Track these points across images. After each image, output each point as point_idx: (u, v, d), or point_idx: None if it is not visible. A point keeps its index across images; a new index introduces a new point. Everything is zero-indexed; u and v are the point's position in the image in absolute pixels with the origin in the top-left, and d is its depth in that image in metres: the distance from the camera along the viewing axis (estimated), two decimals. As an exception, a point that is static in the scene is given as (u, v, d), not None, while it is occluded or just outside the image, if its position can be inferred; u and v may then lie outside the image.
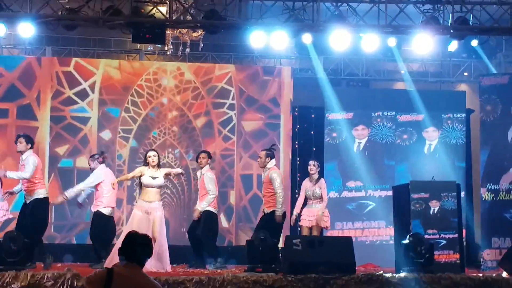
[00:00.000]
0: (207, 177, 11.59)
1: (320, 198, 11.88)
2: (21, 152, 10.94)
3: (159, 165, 11.20)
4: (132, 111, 14.91)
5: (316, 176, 11.98)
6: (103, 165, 11.83)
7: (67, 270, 9.01)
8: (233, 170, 15.01)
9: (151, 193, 11.04)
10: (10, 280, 8.78)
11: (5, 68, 14.59)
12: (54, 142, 14.64)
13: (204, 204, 11.48)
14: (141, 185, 11.16)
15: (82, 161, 14.29)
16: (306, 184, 12.09)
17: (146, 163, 11.18)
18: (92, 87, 14.79)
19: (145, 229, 10.68)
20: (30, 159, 10.80)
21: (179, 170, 11.87)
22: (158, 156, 11.28)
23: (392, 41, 13.89)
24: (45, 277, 8.83)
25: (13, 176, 11.01)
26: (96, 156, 11.96)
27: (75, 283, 8.79)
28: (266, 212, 11.38)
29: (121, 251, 5.22)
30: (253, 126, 15.17)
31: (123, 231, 11.76)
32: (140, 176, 11.13)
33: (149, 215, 10.92)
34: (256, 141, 15.01)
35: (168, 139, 14.98)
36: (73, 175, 14.48)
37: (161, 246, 10.87)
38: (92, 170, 11.82)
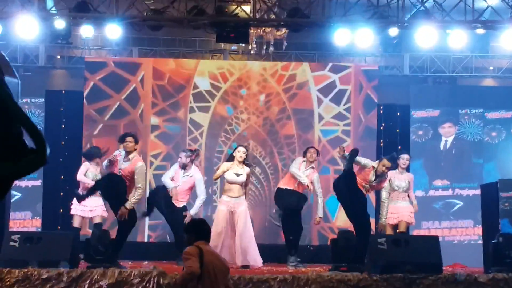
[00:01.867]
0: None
1: (406, 192, 11.70)
2: (129, 153, 10.32)
3: (244, 162, 11.22)
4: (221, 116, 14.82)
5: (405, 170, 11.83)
6: (194, 165, 11.88)
7: (153, 268, 9.11)
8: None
9: (235, 188, 11.08)
10: (98, 277, 8.93)
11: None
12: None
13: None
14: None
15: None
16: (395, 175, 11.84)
17: (231, 158, 11.21)
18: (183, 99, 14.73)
19: (230, 224, 10.84)
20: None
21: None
22: (247, 153, 11.30)
23: (480, 37, 13.56)
24: (132, 274, 8.95)
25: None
26: (189, 154, 11.78)
27: (161, 280, 8.88)
28: None
29: (192, 231, 6.42)
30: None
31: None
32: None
33: (233, 210, 11.00)
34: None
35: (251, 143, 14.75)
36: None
37: (247, 240, 10.93)
38: (182, 164, 11.73)
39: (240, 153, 11.17)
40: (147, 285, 8.88)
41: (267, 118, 14.73)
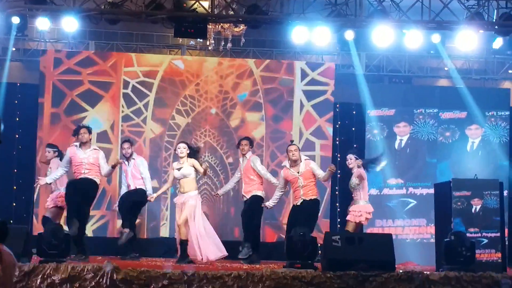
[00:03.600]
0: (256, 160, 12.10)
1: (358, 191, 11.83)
2: (86, 143, 11.47)
3: (189, 156, 11.67)
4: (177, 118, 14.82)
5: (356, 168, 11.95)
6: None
7: (107, 263, 9.06)
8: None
9: (183, 183, 11.58)
10: (51, 272, 8.86)
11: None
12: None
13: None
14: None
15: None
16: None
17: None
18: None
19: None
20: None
21: (201, 169, 11.79)
22: (188, 148, 11.70)
23: (436, 37, 13.70)
24: (85, 269, 8.89)
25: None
26: (132, 144, 12.40)
27: (115, 275, 8.84)
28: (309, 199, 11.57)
29: None
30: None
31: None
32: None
33: (183, 205, 11.49)
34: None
35: (208, 141, 14.83)
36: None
37: (199, 234, 11.40)
38: (129, 154, 12.17)
39: (180, 149, 11.66)
40: (100, 280, 8.83)
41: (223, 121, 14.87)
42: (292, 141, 12.28)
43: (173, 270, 9.10)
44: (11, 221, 13.83)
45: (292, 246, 9.96)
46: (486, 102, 15.13)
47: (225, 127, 14.83)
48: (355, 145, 14.92)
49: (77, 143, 11.47)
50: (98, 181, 11.52)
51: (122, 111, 14.57)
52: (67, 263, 9.15)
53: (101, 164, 11.50)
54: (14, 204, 14.12)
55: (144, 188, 12.10)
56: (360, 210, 11.74)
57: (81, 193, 11.23)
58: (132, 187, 12.09)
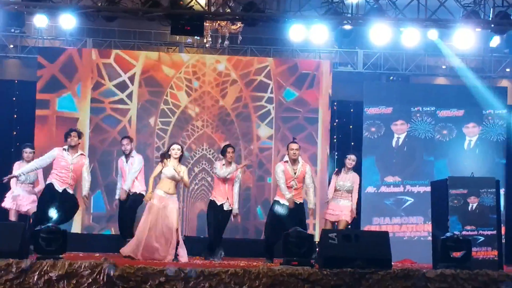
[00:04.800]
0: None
1: (350, 193, 11.88)
2: (75, 147, 11.27)
3: (180, 160, 11.35)
4: (171, 104, 14.97)
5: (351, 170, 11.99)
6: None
7: (104, 259, 9.06)
8: (270, 164, 14.98)
9: (172, 185, 11.26)
10: (48, 268, 8.84)
11: (47, 59, 14.71)
12: (94, 133, 14.75)
13: None
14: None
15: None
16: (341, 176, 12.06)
17: (167, 155, 11.27)
18: (131, 79, 14.89)
19: (161, 220, 11.07)
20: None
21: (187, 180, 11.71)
22: (182, 151, 11.41)
23: (433, 34, 13.69)
24: (82, 266, 8.88)
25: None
26: (131, 141, 12.42)
27: (112, 272, 8.84)
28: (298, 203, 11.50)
29: None
30: (291, 120, 15.15)
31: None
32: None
33: (166, 207, 11.16)
34: (295, 135, 14.94)
35: (206, 132, 15.00)
36: (112, 165, 14.57)
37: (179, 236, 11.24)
38: (129, 151, 12.25)
39: (174, 150, 11.30)
40: (97, 276, 8.82)
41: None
42: (294, 138, 11.95)
43: (171, 267, 9.11)
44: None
45: (288, 243, 9.96)
46: (483, 100, 15.15)
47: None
48: (352, 143, 14.97)
49: (66, 147, 11.31)
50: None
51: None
52: (64, 260, 9.15)
53: (83, 175, 11.40)
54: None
55: (137, 191, 12.16)
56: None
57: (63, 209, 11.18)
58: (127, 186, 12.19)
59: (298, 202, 11.51)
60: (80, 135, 11.42)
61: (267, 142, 15.12)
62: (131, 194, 12.25)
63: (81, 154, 11.47)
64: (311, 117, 15.21)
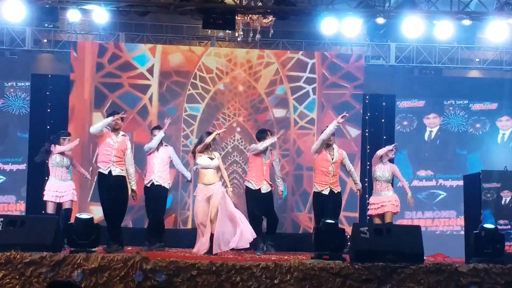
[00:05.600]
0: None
1: (388, 183, 11.75)
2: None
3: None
4: (200, 88, 14.76)
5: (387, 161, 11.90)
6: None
7: (136, 253, 9.11)
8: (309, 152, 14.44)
9: (209, 174, 10.94)
10: (81, 261, 8.92)
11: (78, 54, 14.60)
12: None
13: None
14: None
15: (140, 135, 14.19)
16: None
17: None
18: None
19: (206, 213, 10.84)
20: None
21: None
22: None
23: (466, 23, 13.51)
24: (115, 259, 8.95)
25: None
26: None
27: (144, 266, 8.89)
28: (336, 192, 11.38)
29: None
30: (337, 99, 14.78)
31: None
32: (195, 158, 11.01)
33: (209, 199, 10.89)
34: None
35: (237, 120, 14.72)
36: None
37: (226, 225, 10.89)
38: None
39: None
40: (130, 270, 8.89)
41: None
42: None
43: (201, 260, 9.15)
44: (43, 212, 13.95)
45: (320, 237, 9.95)
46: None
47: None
48: (384, 137, 14.91)
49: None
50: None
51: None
52: (97, 253, 9.22)
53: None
54: (46, 194, 14.18)
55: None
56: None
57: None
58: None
59: (336, 192, 11.33)
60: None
61: (306, 128, 14.77)
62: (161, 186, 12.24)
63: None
64: (359, 93, 14.79)
